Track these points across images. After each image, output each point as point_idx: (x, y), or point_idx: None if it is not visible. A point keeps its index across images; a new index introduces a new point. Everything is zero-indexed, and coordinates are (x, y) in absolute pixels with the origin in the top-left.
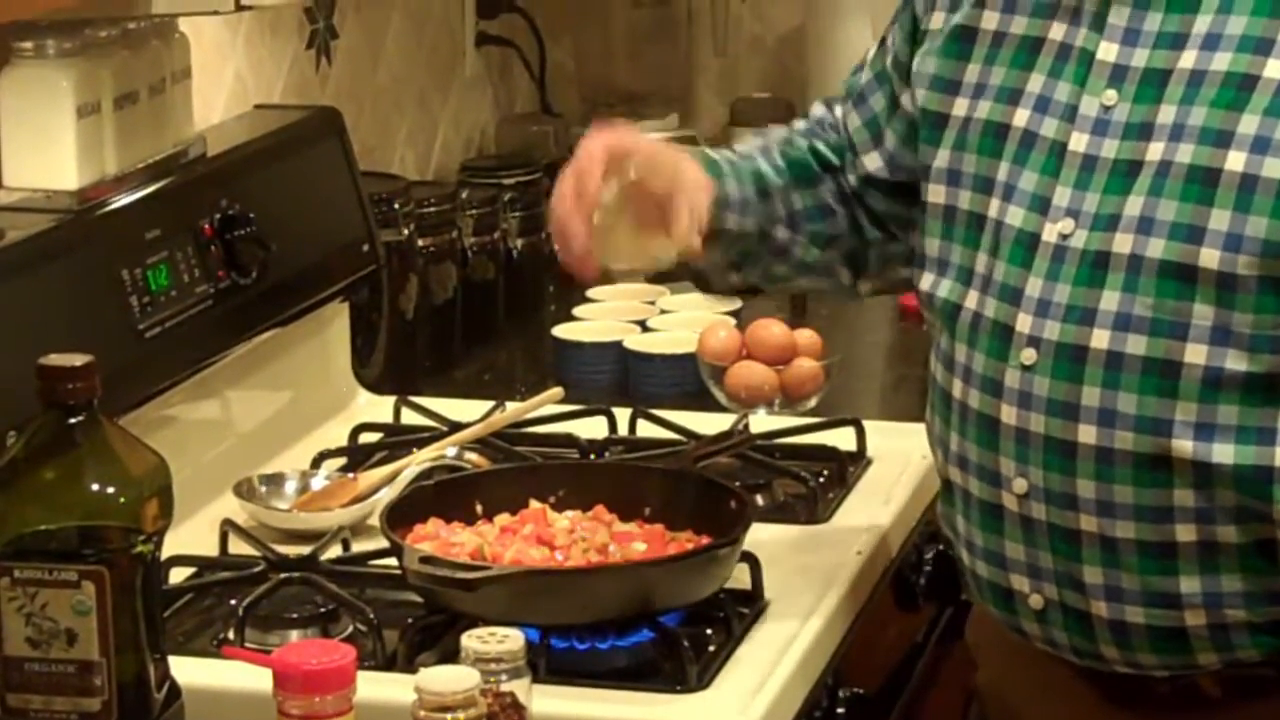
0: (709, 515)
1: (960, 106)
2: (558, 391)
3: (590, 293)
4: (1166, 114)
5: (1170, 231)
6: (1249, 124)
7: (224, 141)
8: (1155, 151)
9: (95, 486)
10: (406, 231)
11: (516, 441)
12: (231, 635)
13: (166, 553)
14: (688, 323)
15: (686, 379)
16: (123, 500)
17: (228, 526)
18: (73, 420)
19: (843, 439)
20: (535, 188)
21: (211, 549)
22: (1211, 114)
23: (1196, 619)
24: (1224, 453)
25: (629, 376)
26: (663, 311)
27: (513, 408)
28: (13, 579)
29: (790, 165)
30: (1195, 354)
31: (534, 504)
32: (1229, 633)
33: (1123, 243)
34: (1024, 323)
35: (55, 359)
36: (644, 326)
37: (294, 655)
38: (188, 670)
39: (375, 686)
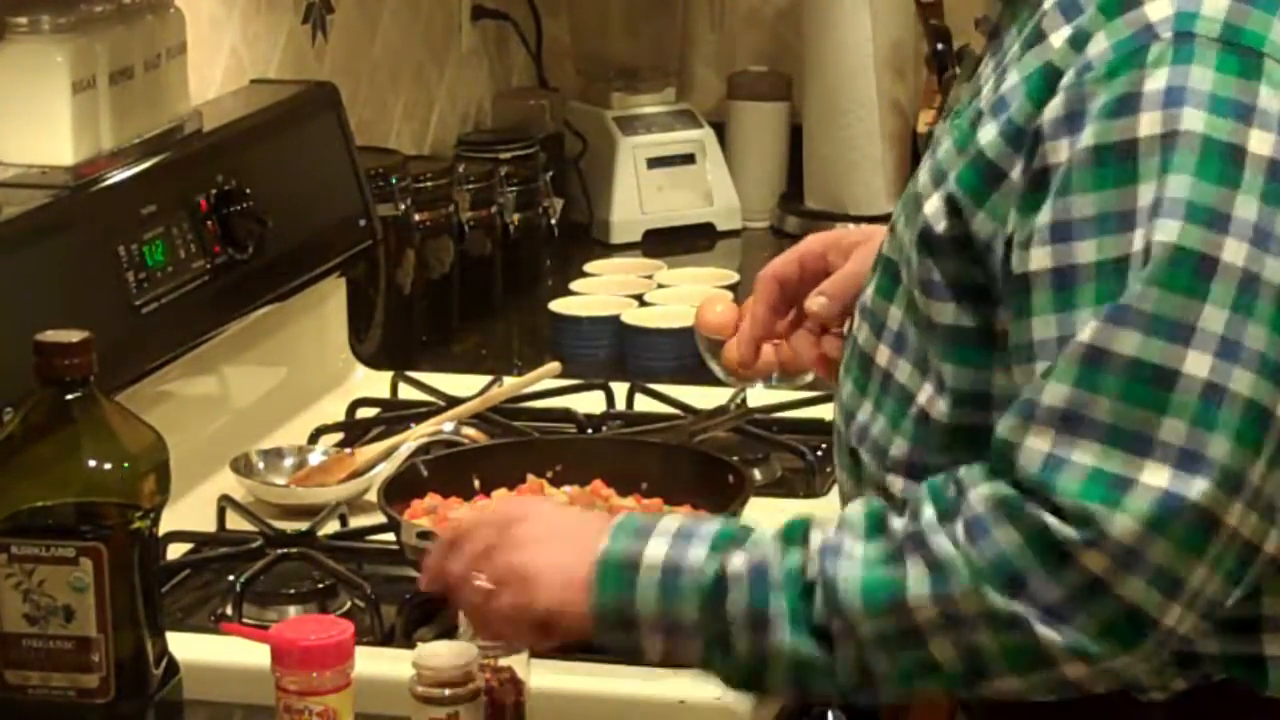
0: (706, 489)
1: None
2: (555, 366)
3: (587, 267)
4: None
5: None
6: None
7: (220, 117)
8: None
9: (92, 463)
10: (403, 206)
11: (514, 416)
12: (229, 611)
13: (164, 529)
14: (685, 297)
15: (684, 353)
16: (120, 476)
17: (225, 502)
18: (69, 396)
19: None
20: (532, 162)
21: (209, 525)
22: None
23: None
24: None
25: (626, 351)
26: (660, 286)
27: (510, 382)
28: (10, 555)
29: None
30: None
31: (531, 479)
32: None
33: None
34: None
35: (52, 335)
36: (641, 301)
37: (292, 631)
38: (185, 646)
39: (373, 662)
